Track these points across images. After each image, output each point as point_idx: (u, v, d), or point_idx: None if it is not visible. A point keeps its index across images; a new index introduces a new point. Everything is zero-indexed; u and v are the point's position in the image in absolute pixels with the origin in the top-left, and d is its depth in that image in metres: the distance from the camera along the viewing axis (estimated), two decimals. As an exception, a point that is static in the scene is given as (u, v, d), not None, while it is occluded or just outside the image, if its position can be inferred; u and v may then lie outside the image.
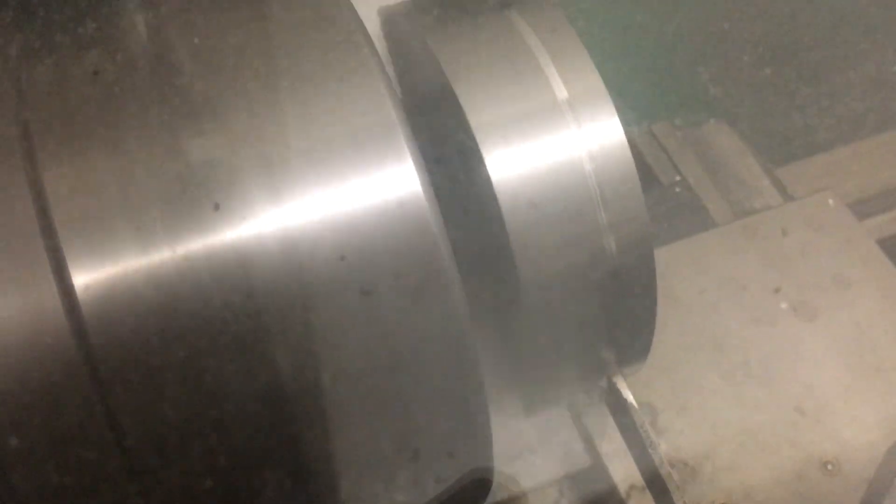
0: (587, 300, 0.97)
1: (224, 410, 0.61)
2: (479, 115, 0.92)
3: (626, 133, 0.94)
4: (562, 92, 0.95)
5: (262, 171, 0.68)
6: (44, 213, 0.66)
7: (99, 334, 0.63)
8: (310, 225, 0.68)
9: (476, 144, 0.91)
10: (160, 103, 0.69)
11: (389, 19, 1.08)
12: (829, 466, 1.24)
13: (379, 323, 0.66)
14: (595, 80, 0.96)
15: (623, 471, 1.20)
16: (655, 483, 1.09)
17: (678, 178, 1.62)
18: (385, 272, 0.67)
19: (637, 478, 1.17)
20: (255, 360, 0.62)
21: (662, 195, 1.61)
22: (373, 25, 1.06)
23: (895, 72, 1.89)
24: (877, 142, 1.73)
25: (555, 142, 0.93)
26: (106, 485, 0.59)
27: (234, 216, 0.66)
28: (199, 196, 0.65)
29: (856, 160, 1.69)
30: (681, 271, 1.46)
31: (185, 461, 0.60)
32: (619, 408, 1.11)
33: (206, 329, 0.62)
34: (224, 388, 0.61)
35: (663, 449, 1.10)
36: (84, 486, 0.59)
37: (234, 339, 0.62)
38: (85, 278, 0.65)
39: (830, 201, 1.54)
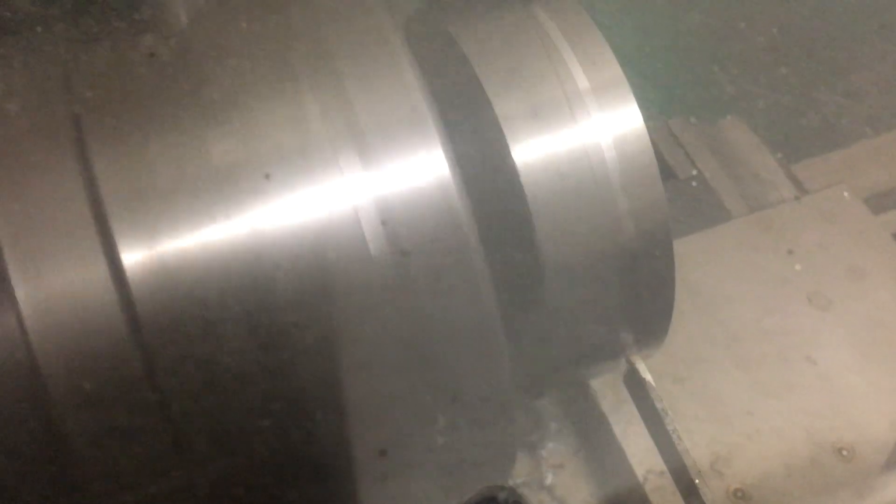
0: (606, 282, 1.00)
1: (281, 359, 0.66)
2: (503, 104, 0.96)
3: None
4: (583, 82, 0.99)
5: (308, 146, 0.73)
6: (92, 182, 0.71)
7: (146, 302, 0.68)
8: (353, 194, 0.73)
9: (501, 132, 0.94)
10: (211, 83, 0.74)
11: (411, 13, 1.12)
12: (844, 452, 1.26)
13: (415, 279, 0.71)
14: (615, 71, 1.00)
15: (641, 454, 1.23)
16: (673, 464, 1.11)
17: (694, 172, 1.64)
18: (423, 237, 0.72)
19: (654, 461, 1.19)
20: (306, 315, 0.67)
21: (679, 189, 1.63)
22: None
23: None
24: (892, 138, 1.75)
25: (575, 130, 0.97)
26: (163, 425, 0.64)
27: (283, 185, 0.70)
28: (250, 166, 0.70)
29: (871, 156, 1.70)
30: (697, 263, 1.48)
31: (241, 404, 0.65)
32: (637, 389, 1.14)
33: (259, 286, 0.67)
34: (277, 340, 0.66)
35: (681, 435, 1.12)
36: (133, 428, 0.64)
37: (286, 297, 0.67)
38: (135, 249, 0.69)
39: (845, 194, 1.56)
